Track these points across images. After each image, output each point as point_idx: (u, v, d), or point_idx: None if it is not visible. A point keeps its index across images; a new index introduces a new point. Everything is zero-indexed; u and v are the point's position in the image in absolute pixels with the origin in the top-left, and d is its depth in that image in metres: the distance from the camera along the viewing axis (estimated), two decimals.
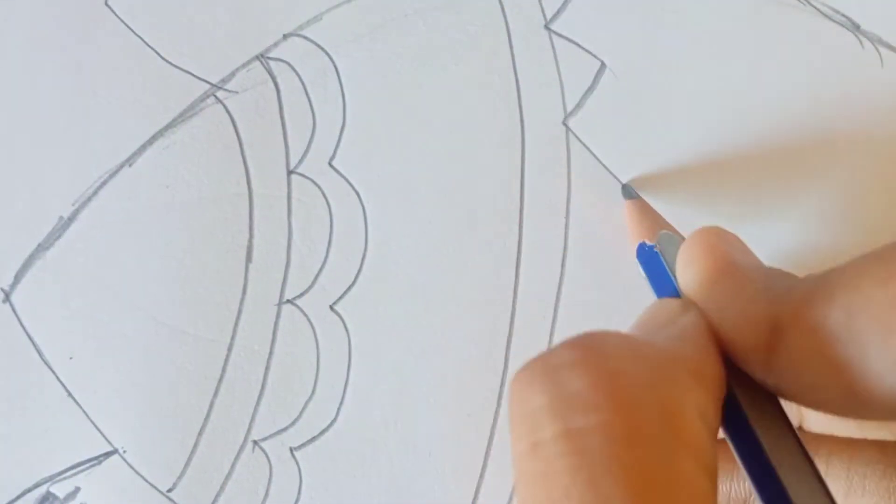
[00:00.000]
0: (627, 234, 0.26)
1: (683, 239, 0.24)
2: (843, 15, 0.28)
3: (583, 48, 0.29)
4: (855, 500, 0.20)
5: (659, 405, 0.14)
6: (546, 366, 0.15)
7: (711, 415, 0.15)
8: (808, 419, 0.22)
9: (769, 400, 0.17)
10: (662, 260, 0.23)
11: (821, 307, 0.14)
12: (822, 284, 0.15)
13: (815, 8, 0.28)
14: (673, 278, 0.22)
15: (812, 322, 0.14)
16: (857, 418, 0.15)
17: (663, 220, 0.26)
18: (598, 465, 0.13)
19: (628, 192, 0.27)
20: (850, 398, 0.14)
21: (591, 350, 0.15)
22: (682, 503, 0.13)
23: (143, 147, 0.29)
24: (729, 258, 0.17)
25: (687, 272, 0.18)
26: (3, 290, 0.29)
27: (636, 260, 0.25)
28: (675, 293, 0.21)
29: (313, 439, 0.28)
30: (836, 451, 0.20)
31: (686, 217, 0.27)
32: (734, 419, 0.17)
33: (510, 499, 0.27)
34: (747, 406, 0.17)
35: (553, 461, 0.13)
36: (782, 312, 0.15)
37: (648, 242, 0.24)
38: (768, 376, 0.16)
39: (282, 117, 0.29)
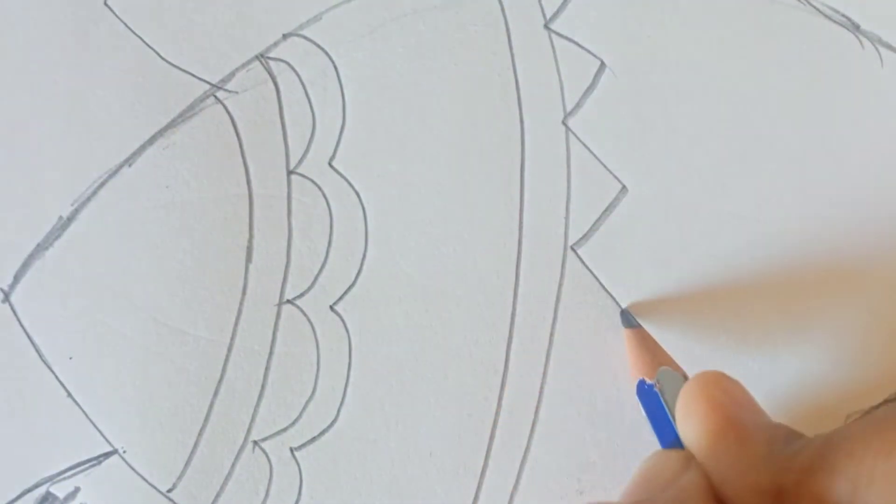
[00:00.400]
0: (628, 366, 0.26)
1: (685, 377, 0.24)
2: (843, 15, 0.28)
3: (583, 48, 0.29)
4: None
5: None
6: None
7: None
8: None
9: None
10: (662, 400, 0.23)
11: (825, 479, 0.14)
12: (826, 453, 0.15)
13: (815, 8, 0.28)
14: (673, 421, 0.22)
15: (817, 493, 0.14)
16: None
17: (663, 351, 0.26)
18: None
19: (627, 319, 0.27)
20: None
21: None
22: None
23: (143, 147, 0.29)
24: (730, 415, 0.17)
25: (687, 425, 0.18)
26: (2, 290, 0.29)
27: (636, 397, 0.25)
28: (675, 435, 0.21)
29: (314, 439, 0.28)
30: None
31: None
32: None
33: (510, 499, 0.27)
34: None
35: None
36: (786, 481, 0.15)
37: (648, 381, 0.24)
38: None
39: (282, 117, 0.29)
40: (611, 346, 0.27)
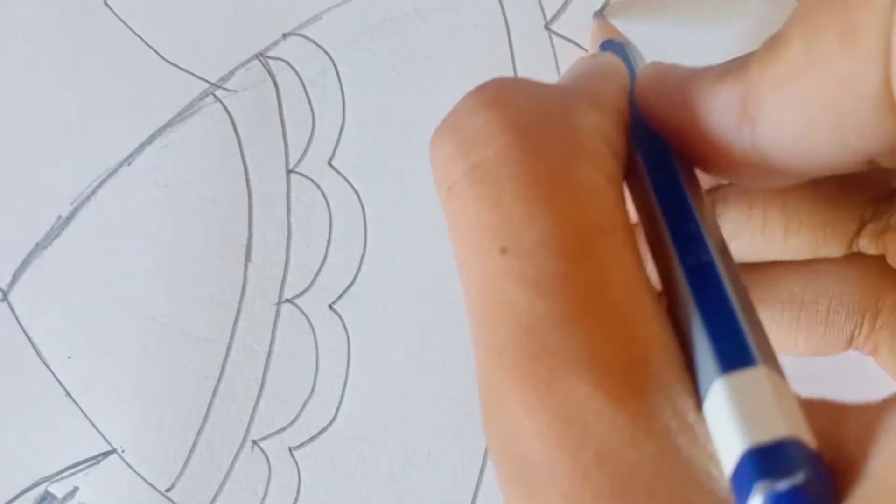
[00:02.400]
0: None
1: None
2: None
3: (583, 48, 0.29)
4: (792, 239, 0.21)
5: (555, 125, 0.15)
6: (451, 116, 0.16)
7: (613, 137, 0.16)
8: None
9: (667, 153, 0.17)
10: (630, 59, 0.23)
11: (782, 51, 0.14)
12: (778, 32, 0.15)
13: None
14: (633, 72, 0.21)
15: (780, 68, 0.14)
16: (848, 153, 0.14)
17: (626, 38, 0.26)
18: (499, 186, 0.14)
19: (597, 14, 0.27)
20: (839, 123, 0.14)
21: (490, 92, 0.15)
22: (575, 197, 0.14)
23: (142, 146, 0.29)
24: (685, 69, 0.17)
25: (645, 89, 0.18)
26: (0, 289, 0.29)
27: (596, 51, 0.24)
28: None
29: (312, 439, 0.28)
30: (771, 198, 0.21)
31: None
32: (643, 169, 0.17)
33: None
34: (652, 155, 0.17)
35: (463, 195, 0.14)
36: (749, 79, 0.15)
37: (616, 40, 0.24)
38: (753, 151, 0.15)
39: (281, 116, 0.29)
40: None
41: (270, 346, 0.28)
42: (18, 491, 0.28)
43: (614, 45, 0.24)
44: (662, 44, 0.28)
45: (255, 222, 0.29)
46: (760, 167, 0.15)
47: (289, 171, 0.29)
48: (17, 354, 0.29)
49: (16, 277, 0.29)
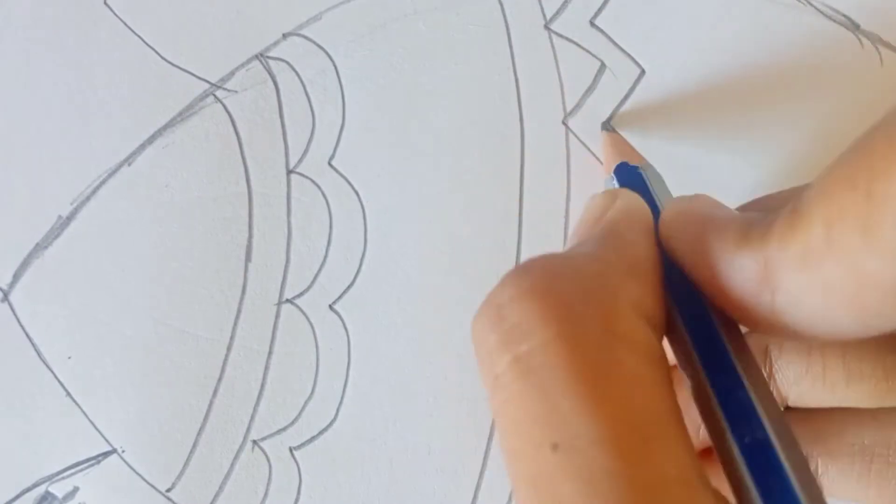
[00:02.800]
0: (602, 166, 0.26)
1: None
2: (843, 15, 0.28)
3: (582, 48, 0.29)
4: (855, 386, 0.20)
5: (592, 310, 0.15)
6: (491, 306, 0.16)
7: (651, 306, 0.16)
8: None
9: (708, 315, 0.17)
10: (646, 180, 0.22)
11: (803, 231, 0.14)
12: (800, 206, 0.15)
13: (815, 8, 0.28)
14: (657, 201, 0.21)
15: (799, 248, 0.14)
16: (869, 330, 0.14)
17: (641, 156, 0.26)
18: (545, 379, 0.14)
19: (607, 126, 0.27)
20: (859, 309, 0.14)
21: (530, 279, 0.15)
22: (623, 390, 0.14)
23: (143, 146, 0.29)
24: (705, 217, 0.17)
25: (670, 246, 0.18)
26: (1, 289, 0.29)
27: (610, 177, 0.24)
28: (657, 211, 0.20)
29: (313, 439, 0.28)
30: (830, 347, 0.20)
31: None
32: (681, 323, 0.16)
33: (510, 499, 0.27)
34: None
35: (510, 387, 0.15)
36: (769, 251, 0.15)
37: (631, 163, 0.24)
38: (774, 318, 0.15)
39: (281, 117, 0.29)
40: None
41: (270, 346, 0.28)
42: (18, 491, 0.28)
43: (631, 173, 0.23)
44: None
45: (255, 222, 0.29)
46: (786, 330, 0.16)
47: (289, 172, 0.29)
48: (18, 354, 0.29)
49: (16, 277, 0.29)
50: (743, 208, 0.20)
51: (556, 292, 0.15)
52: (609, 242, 0.17)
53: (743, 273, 0.15)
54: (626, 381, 0.14)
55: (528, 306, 0.15)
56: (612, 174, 0.24)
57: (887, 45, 0.28)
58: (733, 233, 0.16)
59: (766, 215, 0.15)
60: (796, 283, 0.15)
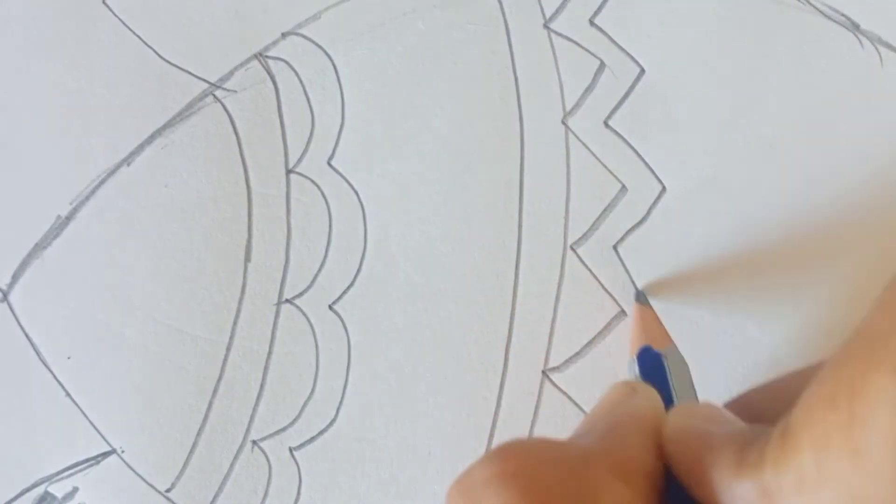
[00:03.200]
0: (629, 340, 0.27)
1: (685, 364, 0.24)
2: (843, 15, 0.28)
3: (582, 47, 0.28)
4: None
5: None
6: (465, 486, 0.15)
7: None
8: None
9: None
10: (666, 368, 0.23)
11: (795, 458, 0.14)
12: (788, 431, 0.15)
13: (815, 8, 0.28)
14: (673, 392, 0.22)
15: (794, 477, 0.14)
16: None
17: (668, 333, 0.26)
18: None
19: (640, 297, 0.27)
20: None
21: (507, 463, 0.15)
22: None
23: (142, 146, 0.29)
24: (706, 433, 0.17)
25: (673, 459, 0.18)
26: (0, 289, 0.29)
27: (633, 359, 0.25)
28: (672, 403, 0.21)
29: (313, 439, 0.28)
30: None
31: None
32: None
33: None
34: None
35: None
36: (765, 477, 0.15)
37: (655, 348, 0.24)
38: None
39: (280, 116, 0.29)
40: (610, 344, 0.27)
41: (270, 346, 0.28)
42: (18, 491, 0.28)
43: (654, 360, 0.24)
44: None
45: (254, 222, 0.29)
46: None
47: (288, 171, 0.29)
48: (17, 355, 0.29)
49: (16, 278, 0.29)
50: (730, 406, 0.20)
51: (535, 479, 0.15)
52: (609, 440, 0.17)
53: (744, 500, 0.15)
54: None
55: (506, 494, 0.14)
56: (635, 356, 0.25)
57: (887, 44, 0.28)
58: (730, 454, 0.16)
59: (760, 435, 0.16)
60: None
